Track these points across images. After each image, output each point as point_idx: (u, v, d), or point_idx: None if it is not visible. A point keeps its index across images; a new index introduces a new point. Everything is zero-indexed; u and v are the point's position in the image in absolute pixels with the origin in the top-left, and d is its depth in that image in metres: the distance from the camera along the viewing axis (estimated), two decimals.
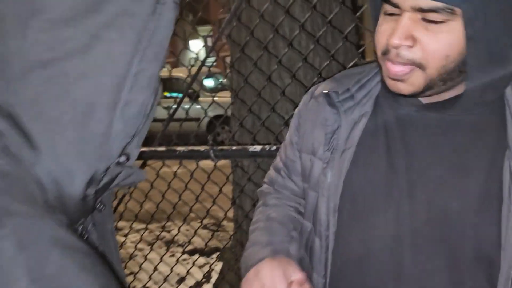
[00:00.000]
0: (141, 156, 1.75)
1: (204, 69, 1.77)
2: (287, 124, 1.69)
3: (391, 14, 0.66)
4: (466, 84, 0.65)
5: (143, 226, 2.43)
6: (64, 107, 0.47)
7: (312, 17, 1.78)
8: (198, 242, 2.93)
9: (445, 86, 0.67)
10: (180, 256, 2.51)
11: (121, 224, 2.86)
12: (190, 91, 8.92)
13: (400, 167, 0.72)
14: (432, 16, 0.61)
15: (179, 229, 2.32)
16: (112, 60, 0.48)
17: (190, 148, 1.53)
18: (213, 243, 3.23)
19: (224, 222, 3.19)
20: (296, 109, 0.90)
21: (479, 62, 0.63)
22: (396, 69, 0.66)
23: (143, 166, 1.86)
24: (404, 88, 0.67)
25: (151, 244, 2.51)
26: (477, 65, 0.63)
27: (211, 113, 2.66)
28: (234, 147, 1.49)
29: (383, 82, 0.73)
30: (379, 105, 0.77)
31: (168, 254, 2.47)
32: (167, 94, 8.56)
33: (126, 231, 2.48)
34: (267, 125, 1.86)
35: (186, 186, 1.93)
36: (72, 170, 0.48)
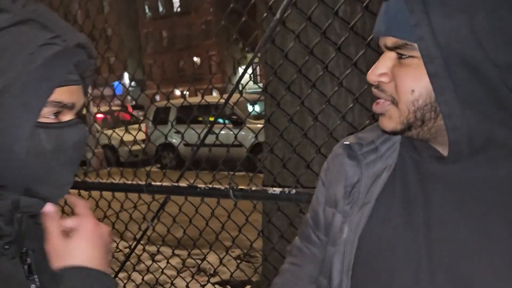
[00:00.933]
0: (163, 191, 1.73)
1: (251, 96, 1.76)
2: (320, 151, 1.59)
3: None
4: (447, 133, 0.62)
5: (170, 251, 2.37)
6: None
7: (349, 39, 1.69)
8: (224, 271, 2.83)
9: (427, 127, 0.65)
10: (205, 285, 2.41)
11: (149, 248, 2.82)
12: (234, 117, 9.04)
13: (418, 224, 0.67)
14: (401, 52, 0.63)
15: (205, 257, 2.25)
16: None
17: (211, 186, 1.59)
18: (240, 275, 3.10)
19: (252, 252, 3.07)
20: (325, 162, 0.88)
21: (448, 101, 0.60)
22: (377, 107, 0.68)
23: (165, 201, 1.84)
24: (385, 122, 0.68)
25: (178, 271, 2.45)
26: (448, 104, 0.60)
27: (253, 139, 2.63)
28: (253, 188, 1.51)
29: None
30: (402, 158, 0.74)
31: (194, 282, 2.38)
32: (212, 119, 8.69)
33: (154, 255, 2.45)
34: (298, 151, 1.76)
35: (212, 213, 1.86)
36: None
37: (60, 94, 0.64)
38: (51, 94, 0.63)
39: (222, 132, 1.92)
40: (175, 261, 2.67)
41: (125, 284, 2.58)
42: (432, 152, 0.69)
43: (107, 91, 2.49)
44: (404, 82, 0.63)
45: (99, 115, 10.00)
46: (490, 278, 0.61)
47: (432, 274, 0.65)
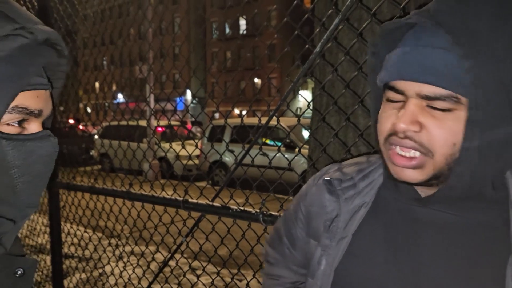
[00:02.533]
0: (198, 208, 1.74)
1: (306, 120, 1.74)
2: None
3: (394, 101, 0.65)
4: (451, 176, 0.62)
5: (215, 269, 2.36)
6: None
7: None
8: None
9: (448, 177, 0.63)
10: None
11: (195, 264, 2.83)
12: (288, 141, 9.01)
13: (398, 263, 0.69)
14: (437, 103, 0.60)
15: (248, 284, 2.21)
16: None
17: (242, 208, 1.58)
18: None
19: None
20: (304, 186, 0.89)
21: (471, 148, 0.59)
22: (402, 157, 0.64)
23: (200, 219, 1.83)
24: (413, 175, 0.64)
25: None
26: (467, 150, 0.60)
27: (305, 165, 2.60)
28: (282, 215, 1.45)
29: (386, 171, 0.70)
30: (381, 196, 0.75)
31: None
32: (268, 141, 8.76)
33: (199, 272, 2.46)
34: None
35: (242, 235, 1.81)
36: None
37: (25, 99, 0.54)
38: (14, 98, 0.53)
39: (274, 154, 1.91)
40: (205, 277, 2.65)
41: None
42: (413, 194, 0.69)
43: (168, 106, 2.58)
44: (446, 135, 0.60)
45: (159, 129, 10.42)
46: None
47: None
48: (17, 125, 0.55)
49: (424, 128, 0.61)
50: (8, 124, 0.54)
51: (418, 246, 0.68)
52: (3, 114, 0.52)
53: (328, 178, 0.79)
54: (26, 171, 0.56)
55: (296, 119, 1.76)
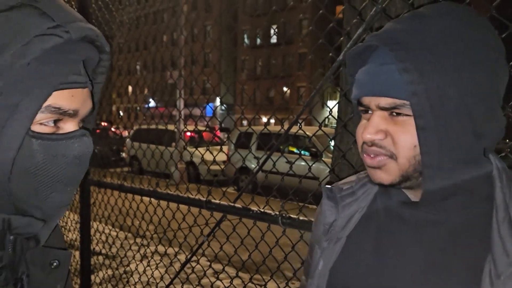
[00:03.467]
0: (220, 209, 1.78)
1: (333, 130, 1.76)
2: None
3: (366, 113, 0.73)
4: (423, 181, 0.68)
5: (235, 272, 2.39)
6: None
7: None
8: None
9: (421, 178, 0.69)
10: None
11: (215, 266, 2.87)
12: (313, 149, 8.94)
13: (385, 261, 0.75)
14: (397, 111, 0.67)
15: (265, 286, 2.22)
16: None
17: (263, 210, 1.62)
18: None
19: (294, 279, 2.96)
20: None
21: (431, 152, 0.65)
22: (369, 157, 0.71)
23: (221, 219, 1.87)
24: (381, 176, 0.72)
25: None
26: (431, 155, 0.65)
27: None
28: (301, 218, 1.52)
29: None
30: (375, 201, 0.82)
31: None
32: (294, 149, 8.76)
33: (218, 275, 2.49)
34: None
35: (262, 237, 1.83)
36: None
37: (60, 99, 0.54)
38: (47, 97, 0.52)
39: (302, 163, 1.92)
40: (225, 280, 2.68)
41: None
42: (402, 198, 0.76)
43: (197, 111, 2.65)
44: (405, 139, 0.68)
45: (187, 133, 10.60)
46: None
47: None
48: (52, 124, 0.54)
49: (389, 134, 0.69)
50: (41, 124, 0.53)
51: (401, 245, 0.74)
52: (36, 113, 0.52)
53: (329, 186, 0.88)
54: (56, 172, 0.55)
55: (324, 128, 1.78)
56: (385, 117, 0.70)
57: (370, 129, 0.70)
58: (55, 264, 0.65)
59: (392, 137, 0.69)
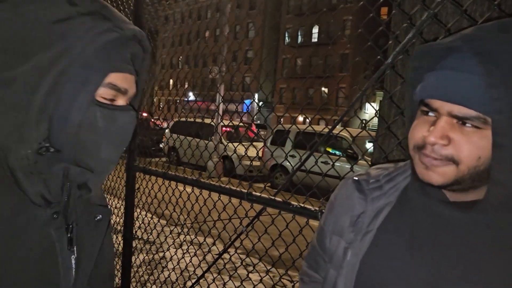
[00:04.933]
0: (261, 201, 1.83)
1: (371, 133, 1.76)
2: None
3: (427, 114, 0.73)
4: (488, 189, 0.69)
5: (258, 260, 2.45)
6: None
7: None
8: None
9: (471, 185, 0.71)
10: None
11: (249, 259, 2.94)
12: (350, 151, 8.82)
13: (422, 258, 0.75)
14: (471, 123, 0.67)
15: (293, 286, 2.26)
16: None
17: (302, 205, 1.63)
18: None
19: None
20: (332, 194, 0.97)
21: (504, 171, 0.66)
22: (431, 160, 0.71)
23: (261, 211, 1.92)
24: (434, 177, 0.72)
25: None
26: (502, 173, 0.66)
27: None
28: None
29: (413, 174, 0.78)
30: (406, 197, 0.83)
31: None
32: (330, 150, 8.71)
33: (250, 269, 2.55)
34: None
35: (300, 231, 1.86)
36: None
37: (115, 79, 0.70)
38: (107, 75, 0.69)
39: (337, 164, 1.94)
40: (255, 274, 2.73)
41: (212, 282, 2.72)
42: (441, 197, 0.76)
43: (234, 107, 2.70)
44: (471, 149, 0.68)
45: (224, 128, 10.73)
46: None
47: None
48: (109, 98, 0.70)
49: (453, 142, 0.69)
50: (102, 97, 0.70)
51: (439, 243, 0.74)
52: (98, 87, 0.68)
53: (356, 178, 0.89)
54: (110, 133, 0.71)
55: (360, 130, 1.79)
56: (452, 124, 0.69)
57: (436, 133, 0.69)
58: (98, 217, 0.79)
59: (456, 145, 0.69)
